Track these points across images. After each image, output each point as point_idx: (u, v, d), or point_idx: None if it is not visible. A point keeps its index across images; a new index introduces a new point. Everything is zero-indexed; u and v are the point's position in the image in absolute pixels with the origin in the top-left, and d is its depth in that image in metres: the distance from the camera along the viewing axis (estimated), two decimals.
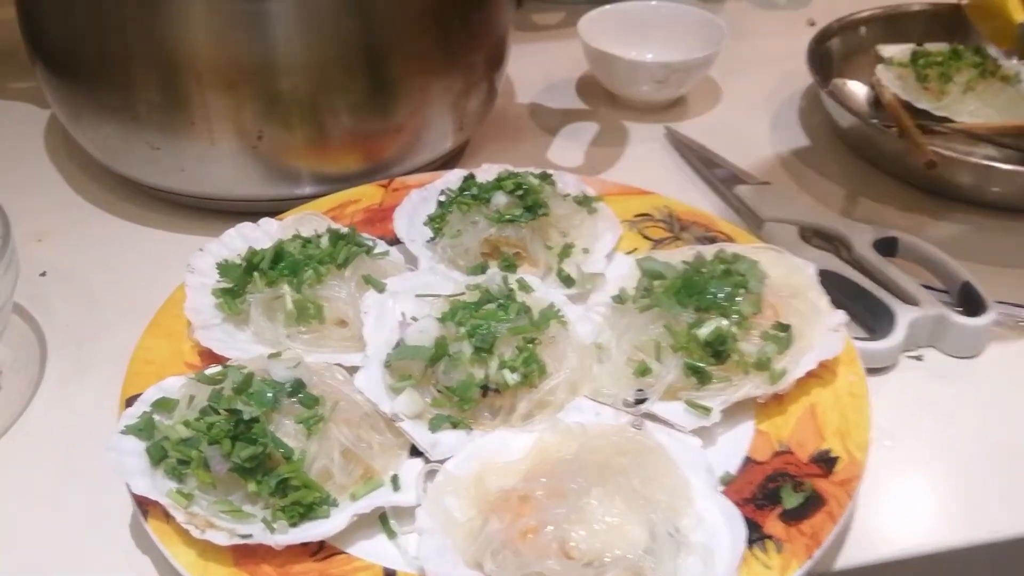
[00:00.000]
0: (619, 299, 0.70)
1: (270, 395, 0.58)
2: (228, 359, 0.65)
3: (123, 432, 0.58)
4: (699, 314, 0.65)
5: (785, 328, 0.65)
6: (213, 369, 0.62)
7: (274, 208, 0.80)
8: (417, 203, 0.81)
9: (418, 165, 0.88)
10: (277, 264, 0.69)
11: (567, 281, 0.74)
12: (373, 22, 0.79)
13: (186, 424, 0.57)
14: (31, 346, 0.75)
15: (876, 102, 1.01)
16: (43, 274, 0.82)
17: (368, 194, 0.83)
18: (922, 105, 0.97)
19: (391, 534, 0.57)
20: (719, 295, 0.65)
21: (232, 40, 0.75)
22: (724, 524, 0.55)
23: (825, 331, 0.66)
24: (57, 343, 0.75)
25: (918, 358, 0.74)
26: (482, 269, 0.74)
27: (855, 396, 0.64)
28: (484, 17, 0.88)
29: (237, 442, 0.55)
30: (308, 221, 0.77)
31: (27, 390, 0.71)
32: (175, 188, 0.85)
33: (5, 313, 0.68)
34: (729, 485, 0.59)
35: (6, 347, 0.74)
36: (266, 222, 0.77)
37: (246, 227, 0.76)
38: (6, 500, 0.63)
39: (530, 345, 0.63)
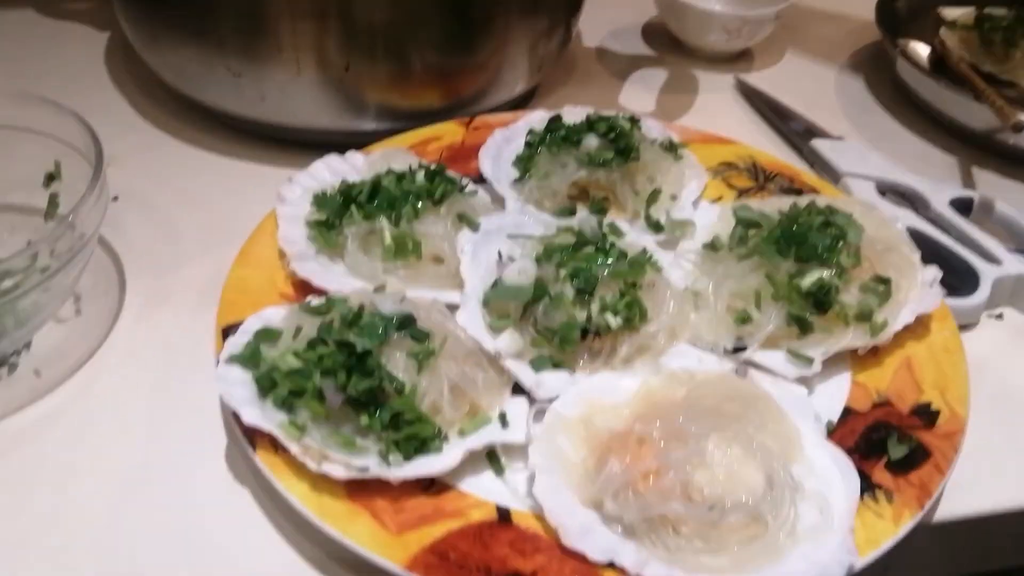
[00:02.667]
0: (712, 247, 0.70)
1: (381, 328, 0.58)
2: (325, 291, 0.65)
3: (229, 362, 0.58)
4: (800, 264, 0.65)
5: (885, 281, 0.65)
6: (314, 300, 0.62)
7: (349, 142, 0.79)
8: (500, 143, 0.80)
9: (493, 105, 0.87)
10: (373, 198, 0.68)
11: (656, 227, 0.74)
12: None
13: (295, 355, 0.57)
14: (109, 272, 0.74)
15: (938, 64, 1.00)
16: (115, 199, 0.80)
17: (450, 131, 0.82)
18: (986, 69, 0.97)
19: (499, 470, 0.58)
20: (820, 246, 0.65)
21: None
22: (836, 472, 0.55)
23: (920, 286, 0.67)
24: (135, 270, 0.74)
25: (999, 316, 0.74)
26: (570, 212, 0.73)
27: (950, 351, 0.65)
28: None
29: (353, 374, 0.55)
30: (394, 156, 0.76)
31: (108, 317, 0.70)
32: (253, 116, 0.83)
33: (95, 238, 0.67)
34: (831, 434, 0.60)
35: (84, 273, 0.73)
36: (352, 155, 0.76)
37: (333, 159, 0.76)
38: (99, 421, 0.63)
39: (632, 288, 0.63)
